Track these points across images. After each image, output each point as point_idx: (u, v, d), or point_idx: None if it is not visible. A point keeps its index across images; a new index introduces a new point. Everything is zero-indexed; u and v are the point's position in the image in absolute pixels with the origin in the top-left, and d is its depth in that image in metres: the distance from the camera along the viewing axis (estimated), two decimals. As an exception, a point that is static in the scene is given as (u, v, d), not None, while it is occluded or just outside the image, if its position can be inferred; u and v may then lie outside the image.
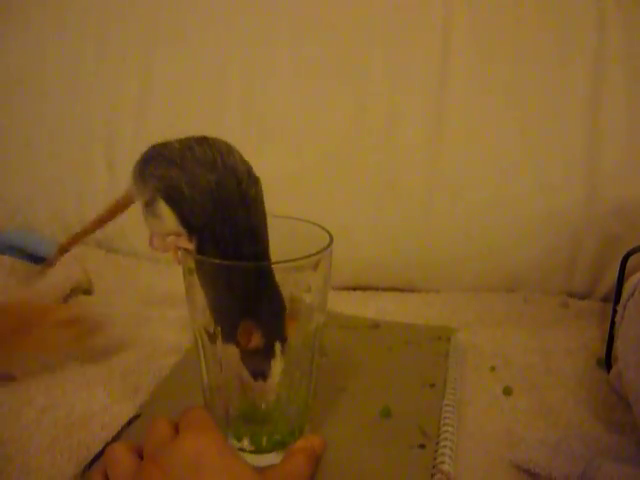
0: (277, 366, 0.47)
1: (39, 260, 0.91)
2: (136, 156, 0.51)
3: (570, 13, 0.79)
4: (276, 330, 0.46)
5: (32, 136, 0.95)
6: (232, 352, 0.46)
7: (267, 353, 0.46)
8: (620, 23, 0.78)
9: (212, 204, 0.45)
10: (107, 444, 0.51)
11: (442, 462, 0.48)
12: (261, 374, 0.47)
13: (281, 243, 0.48)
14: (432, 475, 0.47)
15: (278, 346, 0.46)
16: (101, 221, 0.62)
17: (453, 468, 0.48)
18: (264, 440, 0.49)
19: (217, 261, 0.44)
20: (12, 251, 0.91)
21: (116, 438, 0.52)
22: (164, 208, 0.47)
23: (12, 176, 0.96)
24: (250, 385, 0.47)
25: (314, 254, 0.45)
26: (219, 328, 0.46)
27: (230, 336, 0.46)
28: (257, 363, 0.46)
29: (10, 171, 0.96)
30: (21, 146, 0.95)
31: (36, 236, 0.93)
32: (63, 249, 0.66)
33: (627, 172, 0.76)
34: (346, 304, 0.78)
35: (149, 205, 0.48)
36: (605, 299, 0.80)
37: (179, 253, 0.47)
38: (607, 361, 0.64)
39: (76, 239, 0.66)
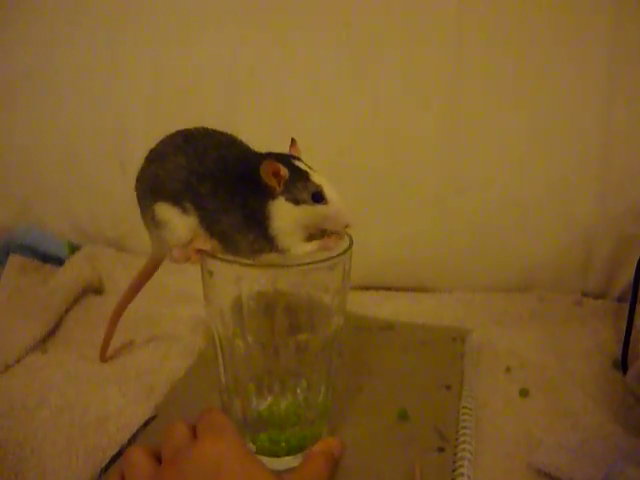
0: (323, 179, 0.46)
1: (50, 259, 0.91)
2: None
3: (585, 8, 0.78)
4: (286, 157, 0.46)
5: (43, 134, 0.94)
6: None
7: (299, 175, 0.45)
8: (636, 19, 0.77)
9: (186, 160, 0.47)
10: (123, 447, 0.51)
11: (461, 466, 0.48)
12: (319, 196, 0.45)
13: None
14: (452, 479, 0.47)
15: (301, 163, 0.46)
16: (133, 290, 0.62)
17: (472, 472, 0.48)
18: (282, 443, 0.49)
19: (241, 262, 0.45)
20: (23, 250, 0.91)
21: (132, 440, 0.52)
22: (161, 208, 0.48)
23: (23, 175, 0.96)
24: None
25: (334, 257, 0.45)
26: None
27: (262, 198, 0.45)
28: (302, 188, 0.45)
29: (21, 169, 0.96)
30: (32, 144, 0.95)
31: (47, 235, 0.93)
32: (109, 333, 0.64)
33: (642, 171, 0.76)
34: (359, 304, 0.78)
35: (154, 217, 0.49)
36: (620, 299, 0.80)
37: (198, 256, 0.47)
38: (623, 363, 0.64)
39: (115, 315, 0.64)
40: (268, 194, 0.45)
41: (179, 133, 0.50)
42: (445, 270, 0.83)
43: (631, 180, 0.76)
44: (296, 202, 0.45)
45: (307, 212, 0.45)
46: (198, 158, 0.47)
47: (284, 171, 0.44)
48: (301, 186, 0.45)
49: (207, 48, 0.87)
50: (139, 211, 0.52)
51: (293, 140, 0.50)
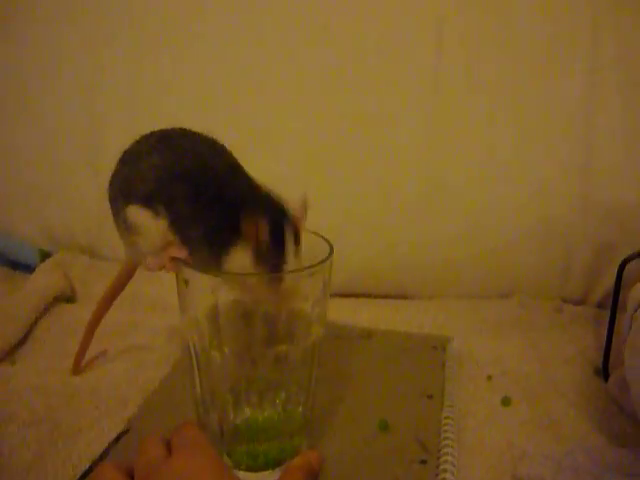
0: (292, 256, 0.44)
1: (20, 266, 0.89)
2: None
3: (564, 15, 0.78)
4: (280, 215, 0.45)
5: (13, 139, 0.92)
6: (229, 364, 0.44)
7: (277, 241, 0.44)
8: (614, 26, 0.77)
9: (159, 160, 0.46)
10: (94, 462, 0.49)
11: (444, 479, 0.47)
12: (278, 265, 0.44)
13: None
14: (434, 492, 0.46)
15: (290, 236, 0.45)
16: (109, 298, 0.61)
17: (455, 484, 0.47)
18: (260, 457, 0.47)
19: (217, 273, 0.43)
20: (-8, 257, 0.89)
21: (104, 456, 0.50)
22: (133, 211, 0.47)
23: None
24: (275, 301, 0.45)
25: (313, 265, 0.44)
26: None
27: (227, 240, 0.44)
28: (270, 257, 0.44)
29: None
30: (1, 149, 0.92)
31: (17, 242, 0.90)
32: (84, 345, 0.62)
33: (622, 178, 0.76)
34: (338, 312, 0.76)
35: (126, 221, 0.48)
36: (600, 305, 0.80)
37: (173, 264, 0.45)
38: (605, 370, 0.63)
39: (90, 326, 0.62)
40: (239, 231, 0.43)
41: (153, 133, 0.48)
42: (425, 277, 0.82)
43: (611, 187, 0.76)
44: (256, 261, 0.44)
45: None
46: (173, 158, 0.46)
47: (264, 236, 0.43)
48: (270, 257, 0.44)
49: (185, 51, 0.85)
50: (111, 216, 0.50)
51: (305, 200, 0.47)
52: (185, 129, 0.49)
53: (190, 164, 0.45)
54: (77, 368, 0.62)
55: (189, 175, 0.45)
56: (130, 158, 0.48)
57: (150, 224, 0.46)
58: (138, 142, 0.49)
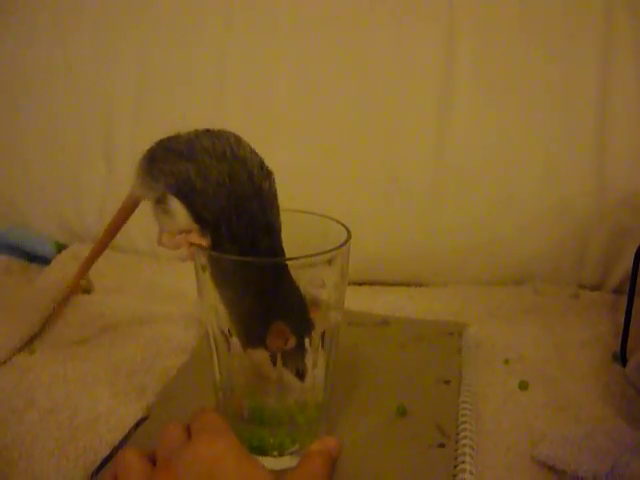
0: (310, 359, 0.45)
1: (35, 259, 0.89)
2: (135, 150, 0.50)
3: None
4: (303, 324, 0.44)
5: (27, 131, 0.92)
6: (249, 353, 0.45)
7: (300, 350, 0.44)
8: (628, 10, 0.76)
9: (226, 196, 0.44)
10: (115, 448, 0.50)
11: (463, 461, 0.47)
12: (299, 373, 0.45)
13: (293, 237, 0.47)
14: (454, 475, 0.46)
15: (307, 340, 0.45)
16: (111, 232, 0.60)
17: (474, 467, 0.47)
18: (279, 443, 0.47)
19: (235, 257, 0.43)
20: (8, 250, 0.89)
21: (123, 442, 0.50)
22: (176, 204, 0.45)
23: (7, 173, 0.93)
24: (289, 386, 0.46)
25: (331, 250, 0.43)
26: (237, 330, 0.44)
27: (253, 339, 0.44)
28: (292, 362, 0.44)
29: (4, 168, 0.94)
30: (15, 142, 0.93)
31: (32, 235, 0.91)
32: (80, 273, 0.62)
33: (638, 163, 0.75)
34: (353, 300, 0.75)
35: (159, 202, 0.46)
36: (616, 291, 0.79)
37: (191, 249, 0.45)
38: (622, 355, 0.63)
39: (90, 259, 0.62)
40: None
41: (214, 136, 0.46)
42: (440, 264, 0.82)
43: (627, 171, 0.76)
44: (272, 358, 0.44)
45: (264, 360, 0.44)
46: (236, 190, 0.44)
47: (291, 343, 0.43)
48: (291, 358, 0.44)
49: (193, 42, 0.85)
50: (137, 179, 0.49)
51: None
52: (229, 135, 0.47)
53: (249, 204, 0.44)
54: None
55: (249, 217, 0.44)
56: (179, 154, 0.46)
57: (183, 213, 0.46)
58: (187, 141, 0.46)
